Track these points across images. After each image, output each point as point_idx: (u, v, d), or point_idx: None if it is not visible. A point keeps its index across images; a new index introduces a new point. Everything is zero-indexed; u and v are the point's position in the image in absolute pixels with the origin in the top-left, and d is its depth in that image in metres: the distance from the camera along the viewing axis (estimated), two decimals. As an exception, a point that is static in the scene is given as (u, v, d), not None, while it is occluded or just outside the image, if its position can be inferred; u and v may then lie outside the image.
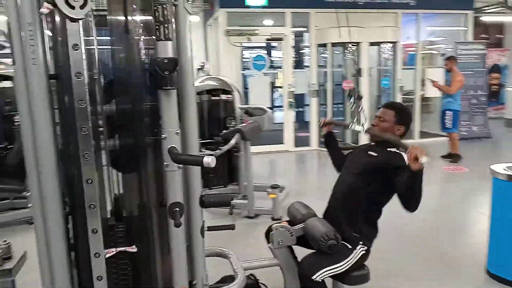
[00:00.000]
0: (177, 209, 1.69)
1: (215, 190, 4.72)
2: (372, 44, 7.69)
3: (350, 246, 2.10)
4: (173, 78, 1.55)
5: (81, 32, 1.41)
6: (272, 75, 8.64)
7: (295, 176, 6.51)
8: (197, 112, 4.39)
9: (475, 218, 4.32)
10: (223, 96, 4.68)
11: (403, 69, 8.08)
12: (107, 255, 1.67)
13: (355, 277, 2.17)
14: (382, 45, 8.26)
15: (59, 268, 1.58)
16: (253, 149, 7.42)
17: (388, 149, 2.18)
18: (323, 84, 7.90)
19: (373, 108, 7.59)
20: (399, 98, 7.94)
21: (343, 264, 2.05)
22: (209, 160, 1.46)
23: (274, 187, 3.98)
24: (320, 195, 4.79)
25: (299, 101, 8.42)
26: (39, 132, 1.48)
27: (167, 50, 1.58)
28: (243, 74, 8.11)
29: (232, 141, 4.10)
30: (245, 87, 7.81)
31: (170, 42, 1.59)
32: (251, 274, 2.69)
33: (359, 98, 7.19)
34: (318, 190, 5.23)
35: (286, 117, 7.70)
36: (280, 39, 7.37)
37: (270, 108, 9.81)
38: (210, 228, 1.98)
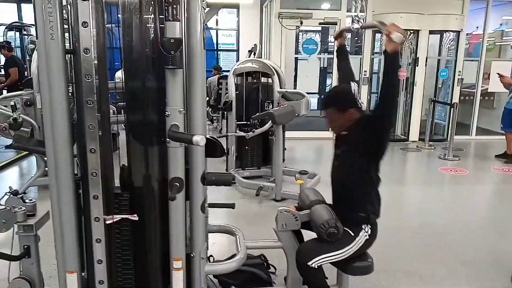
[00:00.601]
0: (177, 184, 1.78)
1: (248, 171, 4.81)
2: (432, 32, 7.25)
3: (352, 234, 2.07)
4: (176, 58, 1.60)
5: (91, 10, 1.51)
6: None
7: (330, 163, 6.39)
8: (236, 93, 4.49)
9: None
10: (263, 79, 4.70)
11: (465, 60, 7.57)
12: (110, 221, 1.81)
13: (358, 268, 2.15)
14: (445, 34, 7.74)
15: (68, 228, 1.74)
16: (300, 134, 7.48)
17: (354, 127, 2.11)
18: (376, 72, 7.64)
19: (426, 100, 7.20)
20: (457, 91, 7.48)
21: (343, 252, 2.03)
22: (199, 139, 1.51)
23: (303, 173, 3.95)
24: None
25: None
26: (55, 103, 1.61)
27: (174, 30, 1.64)
28: (296, 58, 8.04)
29: (266, 125, 4.14)
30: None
31: (177, 22, 1.64)
32: (262, 254, 2.76)
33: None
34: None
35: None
36: (334, 23, 7.19)
37: (320, 94, 9.79)
38: (211, 205, 2.05)
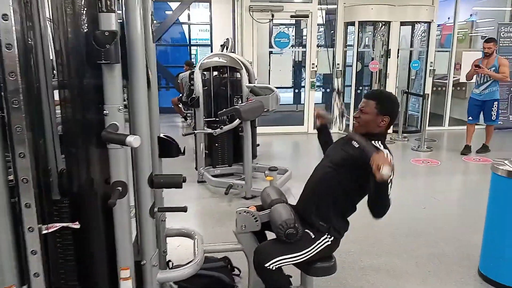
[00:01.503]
0: (119, 188, 1.66)
1: (219, 169, 4.70)
2: (403, 23, 7.26)
3: (313, 236, 2.00)
4: (110, 52, 1.48)
5: (10, 0, 1.37)
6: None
7: (306, 159, 6.34)
8: (202, 89, 4.35)
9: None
10: (231, 74, 4.58)
11: (436, 51, 7.61)
12: (49, 230, 1.67)
13: (320, 269, 2.08)
14: (416, 25, 7.76)
15: (3, 238, 1.59)
16: (273, 129, 7.41)
17: (373, 141, 2.03)
18: (349, 65, 7.60)
19: (399, 92, 7.20)
20: (429, 82, 7.53)
21: (303, 254, 1.95)
22: (132, 140, 1.40)
23: (273, 169, 3.86)
24: None
25: (327, 81, 8.18)
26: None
27: (109, 22, 1.51)
28: (270, 52, 7.91)
29: (235, 122, 4.03)
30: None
31: (113, 14, 1.51)
32: (226, 257, 2.66)
33: (338, 93, 6.92)
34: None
35: (307, 97, 7.51)
36: (306, 16, 7.11)
37: (295, 88, 9.74)
38: (161, 209, 1.93)
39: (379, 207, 1.85)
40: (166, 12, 9.71)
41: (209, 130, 4.16)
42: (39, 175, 1.59)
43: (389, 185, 1.81)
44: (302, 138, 7.37)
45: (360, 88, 8.09)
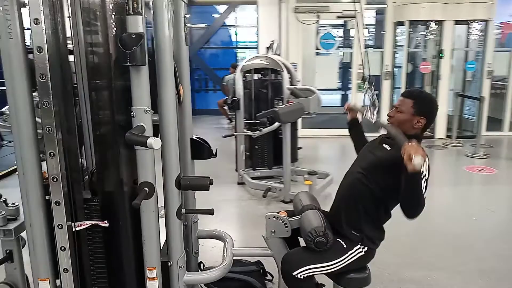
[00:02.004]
0: (146, 189, 1.67)
1: (259, 171, 4.68)
2: (458, 22, 6.86)
3: (345, 246, 1.90)
4: (135, 54, 1.49)
5: (41, 5, 1.42)
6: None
7: (350, 164, 6.12)
8: (242, 91, 4.36)
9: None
10: (273, 76, 4.55)
11: (495, 51, 7.11)
12: (80, 228, 1.72)
13: (352, 280, 1.97)
14: (472, 24, 7.31)
15: (37, 234, 1.65)
16: (318, 132, 7.26)
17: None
18: (399, 67, 7.32)
19: (453, 97, 6.81)
20: (487, 84, 7.05)
21: (333, 264, 1.87)
22: (152, 142, 1.40)
23: (312, 173, 3.79)
24: None
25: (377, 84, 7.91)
26: (18, 103, 1.54)
27: (137, 25, 1.53)
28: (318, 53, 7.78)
29: (275, 124, 3.99)
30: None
31: (140, 16, 1.53)
32: (258, 261, 2.62)
33: (370, 82, 6.54)
34: None
35: (353, 100, 7.30)
36: (353, 17, 6.92)
37: (343, 90, 9.52)
38: (188, 211, 1.93)
39: (412, 205, 1.73)
40: (214, 15, 9.86)
41: (248, 132, 4.15)
42: (70, 174, 1.64)
43: (423, 180, 1.71)
44: (348, 141, 7.14)
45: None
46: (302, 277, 1.84)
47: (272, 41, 7.68)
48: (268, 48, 7.61)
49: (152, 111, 1.63)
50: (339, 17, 7.01)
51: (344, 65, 9.39)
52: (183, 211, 1.83)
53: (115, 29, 1.60)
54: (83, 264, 1.78)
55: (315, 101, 4.19)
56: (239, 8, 9.55)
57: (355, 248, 1.92)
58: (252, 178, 4.45)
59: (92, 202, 1.74)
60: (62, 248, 1.63)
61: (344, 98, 9.50)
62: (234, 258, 2.53)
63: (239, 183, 4.51)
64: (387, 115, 2.03)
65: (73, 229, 1.70)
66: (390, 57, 7.11)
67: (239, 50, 10.03)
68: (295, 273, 1.83)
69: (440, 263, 2.93)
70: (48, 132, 1.51)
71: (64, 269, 1.65)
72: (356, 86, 7.18)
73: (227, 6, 9.49)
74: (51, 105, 1.49)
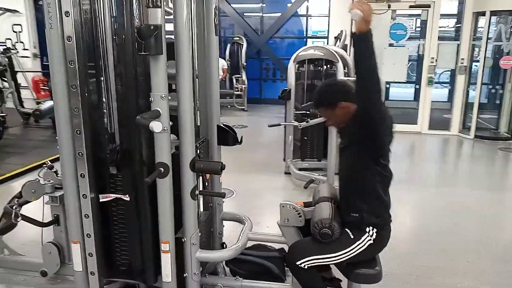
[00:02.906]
0: (161, 169, 1.82)
1: (308, 162, 4.68)
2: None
3: (352, 237, 1.88)
4: (150, 44, 1.61)
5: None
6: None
7: (409, 161, 5.86)
8: (294, 81, 4.32)
9: None
10: (328, 67, 4.49)
11: None
12: (105, 199, 1.92)
13: (361, 275, 1.95)
14: None
15: (71, 202, 1.90)
16: None
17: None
18: (476, 60, 6.75)
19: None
20: None
21: (339, 255, 1.86)
22: (153, 125, 1.52)
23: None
24: (421, 186, 4.36)
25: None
26: (57, 86, 1.77)
27: (156, 17, 1.66)
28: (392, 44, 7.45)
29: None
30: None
31: (158, 9, 1.66)
32: (282, 249, 2.68)
33: None
34: (422, 181, 4.69)
35: (422, 94, 6.91)
36: (427, 6, 6.52)
37: (416, 84, 8.99)
38: (202, 192, 2.03)
39: (360, 73, 1.69)
40: (288, 4, 9.84)
41: (295, 123, 4.16)
42: (96, 151, 1.84)
43: (365, 44, 1.64)
44: (414, 138, 6.80)
45: (493, 87, 7.10)
46: (306, 267, 1.86)
47: (341, 31, 7.51)
48: (336, 38, 7.45)
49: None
50: (411, 6, 6.63)
51: (416, 57, 8.89)
52: (197, 192, 1.95)
53: (137, 21, 1.74)
54: (108, 232, 1.99)
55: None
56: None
57: (363, 238, 1.88)
58: (300, 169, 4.47)
59: (116, 177, 1.94)
60: (86, 215, 1.84)
61: (417, 92, 9.00)
62: (259, 243, 2.63)
63: (285, 173, 4.56)
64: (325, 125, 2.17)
65: (99, 200, 1.92)
66: (467, 50, 6.58)
67: (309, 40, 9.93)
68: (298, 262, 1.87)
69: (477, 272, 2.73)
70: (75, 112, 1.72)
71: (87, 234, 1.87)
72: (427, 80, 6.79)
73: (299, -5, 9.42)
74: (78, 88, 1.69)
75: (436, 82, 8.80)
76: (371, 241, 1.89)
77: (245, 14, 10.03)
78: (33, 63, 9.94)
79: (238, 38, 9.22)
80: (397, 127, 6.70)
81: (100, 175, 1.91)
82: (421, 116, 6.95)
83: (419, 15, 8.77)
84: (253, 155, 5.29)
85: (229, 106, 8.90)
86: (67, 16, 1.62)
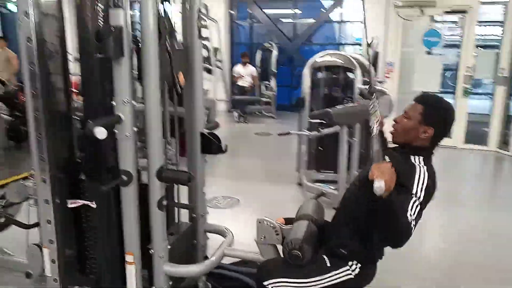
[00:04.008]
0: (124, 177, 1.74)
1: (324, 174, 4.48)
2: None
3: (329, 264, 1.72)
4: (108, 46, 1.55)
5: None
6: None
7: (440, 177, 5.39)
8: (309, 89, 4.15)
9: None
10: (346, 74, 4.30)
11: None
12: (72, 205, 1.87)
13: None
14: None
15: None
16: None
17: (412, 156, 1.66)
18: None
19: None
20: None
21: (310, 282, 1.69)
22: (96, 131, 1.45)
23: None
24: (455, 207, 4.01)
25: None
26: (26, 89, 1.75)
27: (118, 18, 1.59)
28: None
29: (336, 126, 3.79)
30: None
31: (120, 9, 1.59)
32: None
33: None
34: (456, 202, 4.33)
35: (458, 106, 6.49)
36: (463, 12, 6.13)
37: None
38: (170, 204, 1.93)
39: (388, 229, 1.49)
40: (323, 10, 9.65)
41: (306, 132, 3.99)
42: (60, 156, 1.80)
43: (412, 203, 1.49)
44: (448, 152, 6.37)
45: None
46: (273, 290, 1.72)
47: (373, 38, 7.25)
48: (368, 45, 7.21)
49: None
50: (447, 12, 6.26)
51: (450, 66, 8.40)
52: (164, 202, 1.86)
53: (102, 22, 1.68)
54: (79, 239, 1.94)
55: (385, 104, 3.85)
56: (346, 1, 9.17)
57: (341, 270, 1.71)
58: (315, 181, 4.28)
59: (85, 184, 1.88)
60: (48, 221, 1.80)
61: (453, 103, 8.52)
62: (244, 259, 2.49)
63: (298, 184, 4.39)
64: (393, 120, 1.76)
65: (68, 205, 1.87)
66: (507, 59, 6.11)
67: (342, 47, 9.68)
68: (266, 283, 1.72)
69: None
70: (36, 115, 1.68)
71: (49, 240, 1.83)
72: (462, 90, 6.37)
73: (334, 1, 9.20)
74: (39, 93, 1.65)
75: (478, 93, 8.30)
76: (351, 276, 1.71)
77: (280, 19, 9.95)
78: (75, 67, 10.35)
79: (269, 45, 9.13)
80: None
81: (70, 181, 1.86)
82: (457, 129, 6.52)
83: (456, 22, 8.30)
84: (268, 164, 5.16)
85: (257, 113, 8.81)
86: (26, 17, 1.59)
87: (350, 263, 1.72)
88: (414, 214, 1.48)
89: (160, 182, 1.81)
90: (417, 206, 1.49)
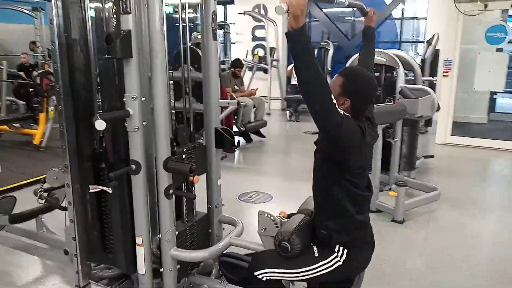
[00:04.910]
0: (133, 166, 1.92)
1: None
2: None
3: (317, 254, 1.74)
4: (114, 48, 1.72)
5: (54, 9, 1.79)
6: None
7: (488, 184, 4.99)
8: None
9: None
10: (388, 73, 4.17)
11: None
12: (93, 190, 2.09)
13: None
14: None
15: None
16: (481, 142, 6.09)
17: None
18: None
19: None
20: None
21: (300, 272, 1.73)
22: (97, 123, 1.62)
23: (401, 184, 3.40)
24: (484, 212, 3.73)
25: None
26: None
27: (127, 22, 1.77)
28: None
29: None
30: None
31: (129, 15, 1.76)
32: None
33: None
34: (484, 206, 4.04)
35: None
36: (534, 5, 5.63)
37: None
38: (175, 192, 2.05)
39: (300, 82, 1.52)
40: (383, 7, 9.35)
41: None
42: (81, 145, 2.03)
43: (298, 44, 1.48)
44: (504, 155, 5.88)
45: None
46: (264, 279, 1.78)
47: (433, 35, 6.92)
48: (428, 42, 6.90)
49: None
50: (514, 5, 5.78)
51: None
52: (171, 191, 2.00)
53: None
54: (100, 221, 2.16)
55: (427, 103, 3.70)
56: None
57: (330, 258, 1.73)
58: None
59: (104, 171, 2.10)
60: (69, 203, 2.03)
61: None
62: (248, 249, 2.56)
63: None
64: None
65: (89, 190, 2.09)
66: None
67: (403, 45, 9.31)
68: (257, 273, 1.79)
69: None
70: (60, 110, 1.91)
71: (70, 220, 2.06)
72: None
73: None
74: (61, 89, 1.88)
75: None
76: (340, 263, 1.73)
77: (340, 16, 9.83)
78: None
79: (325, 43, 9.06)
80: (498, 144, 5.87)
81: (92, 168, 2.08)
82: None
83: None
84: (305, 162, 5.15)
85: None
86: (51, 24, 1.82)
87: (336, 248, 1.73)
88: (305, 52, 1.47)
89: (167, 172, 1.97)
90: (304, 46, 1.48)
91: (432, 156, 5.26)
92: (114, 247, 2.14)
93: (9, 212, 2.85)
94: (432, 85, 5.50)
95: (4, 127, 5.83)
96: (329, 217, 1.75)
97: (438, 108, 4.35)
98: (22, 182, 4.16)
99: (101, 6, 1.89)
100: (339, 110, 1.56)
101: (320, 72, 1.48)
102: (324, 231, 1.74)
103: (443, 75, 6.24)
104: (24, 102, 6.06)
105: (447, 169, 5.23)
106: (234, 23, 9.97)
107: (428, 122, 6.42)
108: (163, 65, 1.87)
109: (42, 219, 2.93)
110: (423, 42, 9.02)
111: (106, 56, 1.76)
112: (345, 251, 1.73)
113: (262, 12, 9.42)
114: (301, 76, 1.50)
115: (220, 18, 10.81)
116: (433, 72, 6.42)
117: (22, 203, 3.00)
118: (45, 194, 2.63)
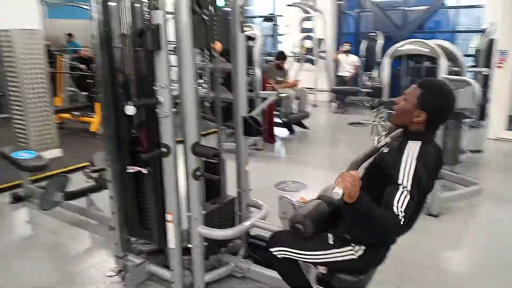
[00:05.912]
0: (164, 149, 2.11)
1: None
2: None
3: (331, 242, 1.82)
4: (146, 41, 1.91)
5: (95, 5, 2.01)
6: None
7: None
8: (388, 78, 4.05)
9: None
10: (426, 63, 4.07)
11: None
12: (130, 171, 2.30)
13: (343, 280, 1.87)
14: None
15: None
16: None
17: (410, 141, 1.64)
18: None
19: None
20: None
21: (311, 255, 1.81)
22: (126, 108, 1.81)
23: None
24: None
25: None
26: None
27: (157, 17, 1.94)
28: None
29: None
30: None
31: (159, 11, 1.94)
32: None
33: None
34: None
35: None
36: None
37: None
38: (202, 174, 2.20)
39: (367, 227, 1.60)
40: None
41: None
42: (122, 130, 2.24)
43: (402, 193, 1.51)
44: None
45: None
46: (279, 256, 1.89)
47: (490, 24, 6.56)
48: (482, 32, 6.56)
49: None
50: None
51: None
52: (198, 173, 2.17)
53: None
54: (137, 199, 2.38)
55: (468, 94, 3.58)
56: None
57: (344, 249, 1.78)
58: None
59: (138, 154, 2.30)
60: (109, 181, 2.27)
61: None
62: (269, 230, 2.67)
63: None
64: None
65: (127, 171, 2.31)
66: None
67: (458, 34, 8.85)
68: (272, 249, 1.90)
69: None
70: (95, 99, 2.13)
71: (110, 196, 2.30)
72: None
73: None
74: (101, 80, 2.10)
75: None
76: (354, 257, 1.78)
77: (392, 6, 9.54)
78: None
79: (374, 34, 8.85)
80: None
81: (131, 152, 2.30)
82: None
83: None
84: (349, 153, 5.14)
85: (358, 104, 8.64)
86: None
87: (353, 245, 1.78)
88: (402, 205, 1.48)
89: (194, 156, 2.14)
90: (405, 196, 1.50)
91: (479, 151, 5.04)
92: (149, 223, 2.36)
93: (63, 190, 3.18)
94: (484, 77, 5.26)
95: (67, 115, 6.36)
96: (362, 231, 1.73)
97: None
98: (79, 165, 4.55)
99: (136, 3, 2.06)
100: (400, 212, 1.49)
101: (386, 218, 1.49)
102: (349, 236, 1.78)
103: (497, 66, 5.92)
104: (86, 93, 6.54)
105: (496, 165, 5.00)
106: (282, 15, 10.00)
107: (482, 116, 6.12)
108: (190, 55, 2.02)
109: (91, 198, 3.24)
110: (481, 31, 8.57)
111: (139, 48, 1.93)
112: (363, 247, 1.77)
113: (310, 3, 9.37)
114: (374, 224, 1.54)
115: (269, 10, 10.91)
116: (488, 63, 6.10)
117: (79, 185, 3.33)
118: (94, 175, 2.90)
